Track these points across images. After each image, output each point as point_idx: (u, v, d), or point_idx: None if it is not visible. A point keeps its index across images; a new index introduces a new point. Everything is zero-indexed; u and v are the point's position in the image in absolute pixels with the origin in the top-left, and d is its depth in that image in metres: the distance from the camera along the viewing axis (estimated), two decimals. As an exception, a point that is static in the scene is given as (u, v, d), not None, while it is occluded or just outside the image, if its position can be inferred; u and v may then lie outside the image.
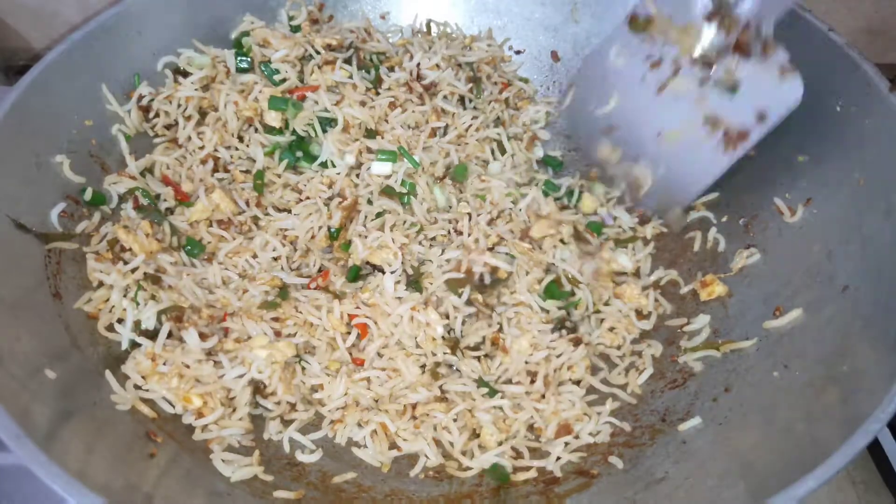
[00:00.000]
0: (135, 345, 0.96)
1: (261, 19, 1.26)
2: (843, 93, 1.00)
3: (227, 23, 1.26)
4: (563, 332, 1.05)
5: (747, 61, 0.99)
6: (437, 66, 1.26)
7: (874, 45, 1.47)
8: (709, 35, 1.02)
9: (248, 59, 1.20)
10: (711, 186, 1.14)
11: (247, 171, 1.17)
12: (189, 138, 1.17)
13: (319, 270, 1.10)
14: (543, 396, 0.99)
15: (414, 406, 0.98)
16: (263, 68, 1.17)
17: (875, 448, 1.04)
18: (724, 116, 1.03)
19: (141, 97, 1.17)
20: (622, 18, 1.26)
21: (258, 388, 0.97)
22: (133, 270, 1.01)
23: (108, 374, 0.90)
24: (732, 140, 1.02)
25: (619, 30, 1.14)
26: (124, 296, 0.99)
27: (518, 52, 1.39)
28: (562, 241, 1.13)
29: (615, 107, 1.16)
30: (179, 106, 1.18)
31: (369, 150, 1.17)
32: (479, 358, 1.04)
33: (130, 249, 1.03)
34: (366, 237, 1.10)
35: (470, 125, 1.25)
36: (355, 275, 1.09)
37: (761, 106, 0.99)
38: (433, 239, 1.14)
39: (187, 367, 0.93)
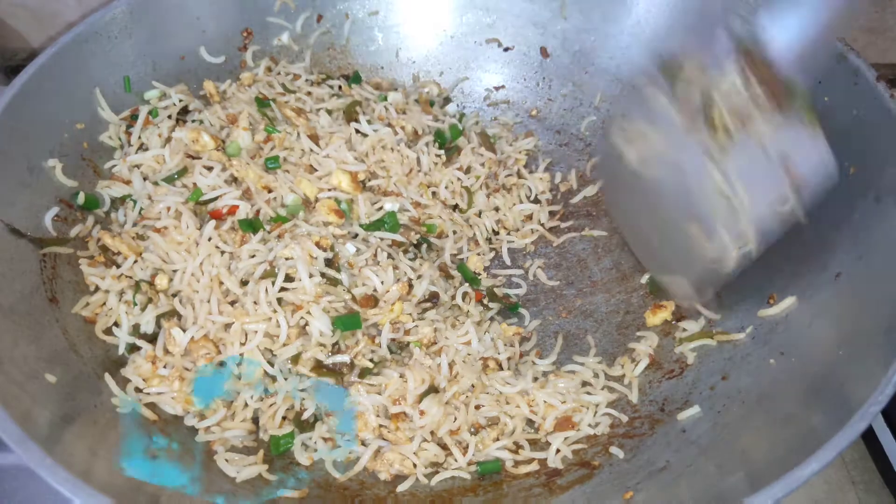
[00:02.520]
0: (134, 348, 0.96)
1: (255, 28, 1.28)
2: (831, 84, 1.01)
3: (221, 24, 1.26)
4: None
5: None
6: None
7: (874, 45, 1.48)
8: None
9: None
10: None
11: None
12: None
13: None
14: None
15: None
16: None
17: (875, 448, 1.05)
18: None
19: (131, 123, 1.16)
20: (609, 14, 1.29)
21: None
22: (124, 274, 1.01)
23: (107, 377, 0.90)
24: None
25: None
26: (119, 300, 0.99)
27: (507, 49, 1.40)
28: None
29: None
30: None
31: None
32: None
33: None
34: None
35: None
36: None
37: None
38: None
39: (188, 370, 0.93)
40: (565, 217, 1.27)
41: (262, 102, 1.19)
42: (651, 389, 1.00)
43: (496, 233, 1.25)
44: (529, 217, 1.26)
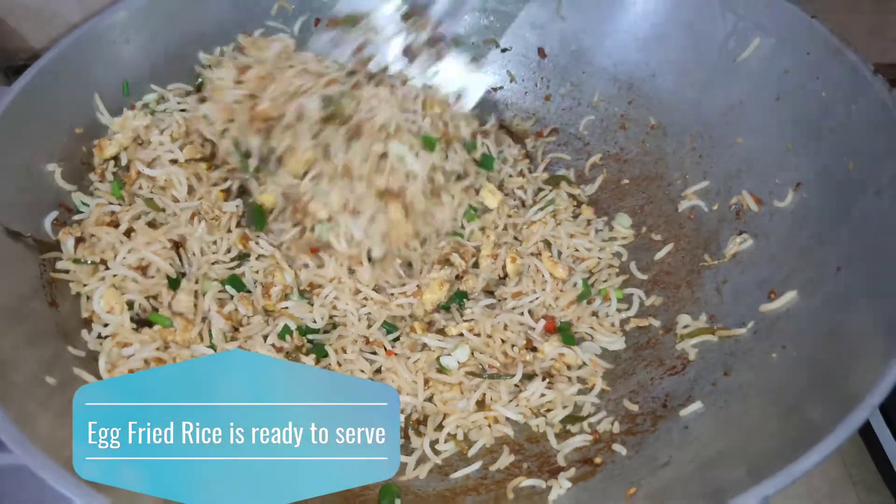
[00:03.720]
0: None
1: (254, 31, 1.28)
2: (829, 79, 1.01)
3: (220, 28, 1.26)
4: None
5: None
6: None
7: (874, 45, 1.47)
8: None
9: None
10: (701, 176, 1.17)
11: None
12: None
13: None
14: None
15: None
16: None
17: (875, 448, 1.05)
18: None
19: None
20: (606, 14, 1.29)
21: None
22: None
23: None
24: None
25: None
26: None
27: (504, 50, 1.40)
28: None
29: None
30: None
31: None
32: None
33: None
34: None
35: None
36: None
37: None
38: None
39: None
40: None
41: None
42: (653, 386, 0.99)
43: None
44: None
